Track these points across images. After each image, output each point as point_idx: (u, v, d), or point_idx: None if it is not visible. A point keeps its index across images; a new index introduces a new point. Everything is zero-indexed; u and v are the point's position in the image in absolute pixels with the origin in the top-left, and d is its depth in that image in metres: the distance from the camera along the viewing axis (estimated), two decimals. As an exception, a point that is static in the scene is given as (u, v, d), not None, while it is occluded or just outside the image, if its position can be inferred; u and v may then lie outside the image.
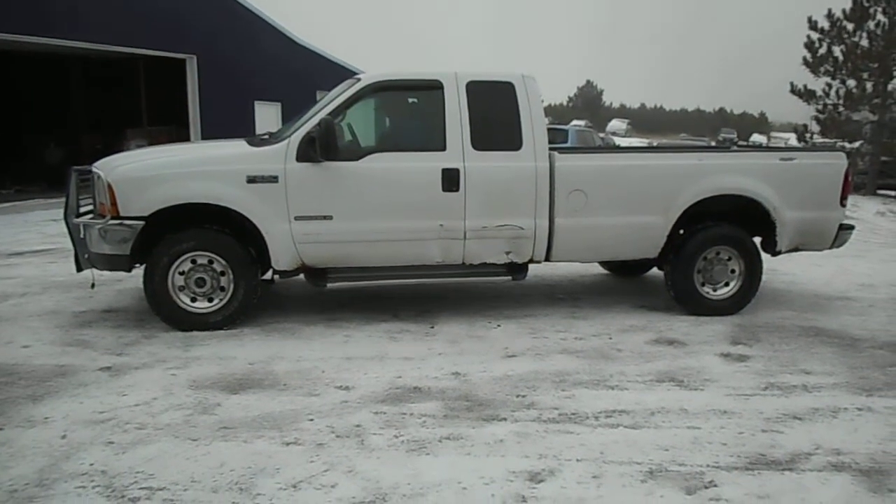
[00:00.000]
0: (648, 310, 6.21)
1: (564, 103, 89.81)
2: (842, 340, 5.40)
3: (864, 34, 19.37)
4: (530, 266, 5.86)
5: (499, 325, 5.65)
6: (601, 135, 27.00)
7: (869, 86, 19.65)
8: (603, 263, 7.68)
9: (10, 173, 15.52)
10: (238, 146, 5.69)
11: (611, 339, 5.35)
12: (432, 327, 5.58)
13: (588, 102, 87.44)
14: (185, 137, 17.45)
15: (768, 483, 3.17)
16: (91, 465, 3.24)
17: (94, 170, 5.41)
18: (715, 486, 3.14)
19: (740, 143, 40.19)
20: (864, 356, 5.03)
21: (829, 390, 4.34)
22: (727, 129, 58.53)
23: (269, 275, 5.70)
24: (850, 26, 19.56)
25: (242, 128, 17.81)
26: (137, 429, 3.64)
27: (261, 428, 3.66)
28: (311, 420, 3.77)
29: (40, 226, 11.23)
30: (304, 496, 3.00)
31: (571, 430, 3.68)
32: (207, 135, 17.27)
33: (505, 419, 3.82)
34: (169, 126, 18.45)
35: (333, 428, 3.67)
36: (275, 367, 4.60)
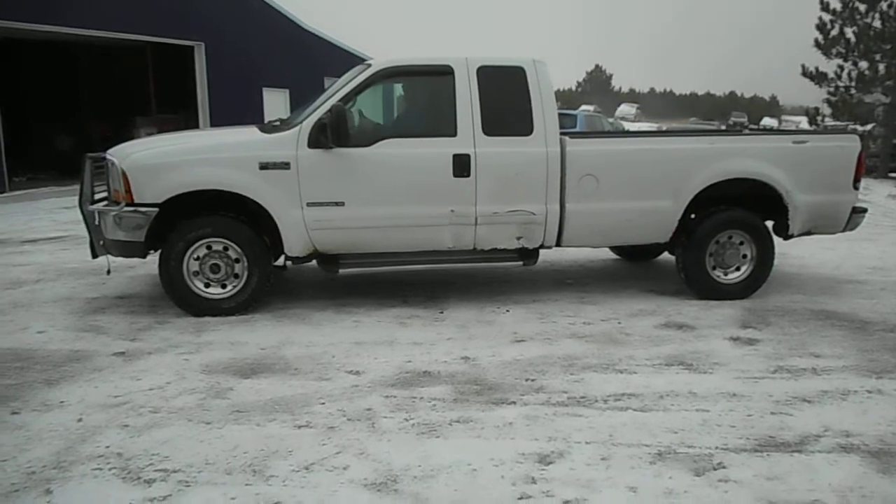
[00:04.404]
0: (657, 294, 6.21)
1: (573, 88, 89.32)
2: (852, 323, 5.38)
3: (877, 15, 19.14)
4: (540, 251, 5.87)
5: (508, 310, 5.67)
6: (610, 119, 26.82)
7: (881, 67, 19.44)
8: (613, 248, 7.66)
9: (21, 161, 15.61)
10: (250, 133, 5.72)
11: (619, 323, 5.36)
12: (441, 312, 5.61)
13: (597, 87, 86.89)
14: (193, 125, 17.50)
15: (777, 465, 3.19)
16: (107, 447, 3.30)
17: (108, 157, 5.46)
18: (724, 467, 3.16)
19: (751, 126, 39.90)
20: (875, 339, 5.03)
21: (839, 373, 4.34)
22: (738, 113, 58.02)
23: (281, 261, 5.74)
24: (862, 7, 19.32)
25: (251, 114, 17.86)
26: (152, 412, 3.69)
27: (273, 411, 3.71)
28: (323, 404, 3.81)
29: (52, 213, 11.32)
30: (316, 478, 3.05)
31: (580, 414, 3.71)
32: (216, 122, 17.31)
33: (514, 402, 3.84)
34: (178, 113, 18.48)
35: (344, 411, 3.71)
36: (286, 352, 4.64)
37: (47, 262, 7.49)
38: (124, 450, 3.28)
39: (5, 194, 13.19)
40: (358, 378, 4.19)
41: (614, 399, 3.91)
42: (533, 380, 4.18)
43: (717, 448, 3.34)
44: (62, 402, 3.82)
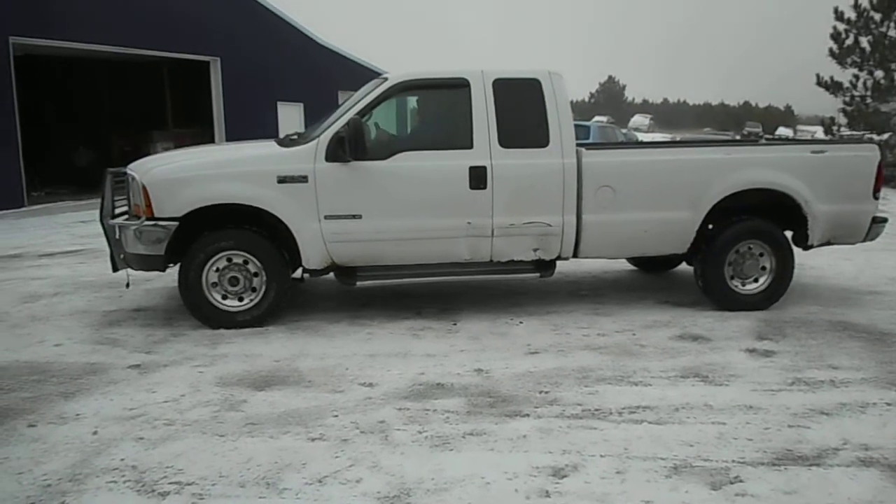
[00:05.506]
0: (672, 305, 6.17)
1: (586, 99, 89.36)
2: (870, 335, 5.32)
3: (892, 24, 19.02)
4: (557, 262, 5.85)
5: (521, 322, 5.65)
6: (624, 130, 26.78)
7: (897, 76, 19.30)
8: (630, 259, 7.63)
9: (39, 175, 15.82)
10: (268, 147, 5.78)
11: (634, 335, 5.32)
12: (455, 324, 5.60)
13: (610, 98, 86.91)
14: (209, 139, 17.67)
15: (795, 478, 3.14)
16: (122, 460, 3.31)
17: (128, 172, 5.53)
18: (741, 481, 3.12)
19: (767, 136, 39.68)
20: (894, 350, 4.96)
21: (857, 385, 4.29)
22: (752, 123, 57.69)
23: (298, 273, 5.77)
24: (877, 16, 19.22)
25: (266, 128, 18.00)
26: (166, 425, 3.71)
27: (286, 424, 3.71)
28: (336, 416, 3.81)
29: (70, 227, 11.42)
30: (329, 491, 3.04)
31: (595, 426, 3.68)
32: (231, 136, 17.48)
33: (528, 415, 3.83)
34: (194, 128, 18.67)
35: (358, 424, 3.71)
36: (299, 365, 4.65)
37: (65, 275, 7.56)
38: (139, 462, 3.29)
39: (24, 208, 13.35)
40: (371, 390, 4.19)
41: (629, 412, 3.87)
42: (547, 392, 4.16)
43: (733, 461, 3.30)
44: (78, 414, 3.85)
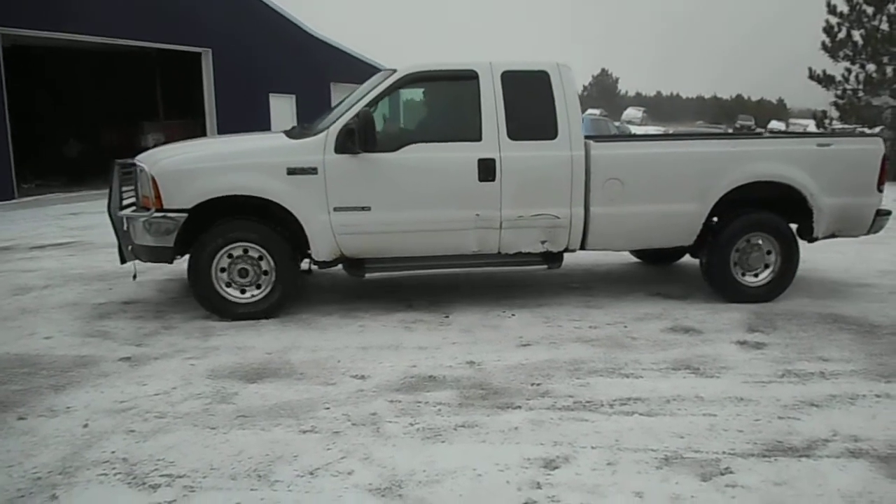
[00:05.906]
0: (663, 298, 6.18)
1: (579, 92, 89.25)
2: (860, 327, 5.35)
3: (885, 18, 19.08)
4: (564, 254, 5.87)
5: (513, 315, 5.66)
6: (616, 123, 26.81)
7: (889, 70, 19.36)
8: (633, 251, 7.63)
9: (30, 167, 15.71)
10: (277, 138, 5.79)
11: (626, 327, 5.34)
12: (447, 317, 5.60)
13: (603, 91, 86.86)
14: (200, 131, 17.58)
15: (785, 470, 3.16)
16: (112, 453, 3.30)
17: (137, 163, 5.52)
18: (731, 472, 3.14)
19: (760, 129, 39.73)
20: (883, 342, 4.99)
21: (847, 377, 4.31)
22: (744, 116, 57.77)
23: (305, 265, 5.77)
24: (869, 10, 19.27)
25: (258, 121, 17.94)
26: (157, 418, 3.70)
27: (278, 416, 3.71)
28: (328, 408, 3.81)
29: (60, 219, 11.34)
30: (321, 483, 3.04)
31: (586, 418, 3.69)
32: (223, 128, 17.40)
33: (519, 407, 3.83)
34: (185, 119, 18.57)
35: (349, 416, 3.71)
36: (291, 357, 4.64)
37: (55, 267, 7.52)
38: (130, 455, 3.28)
39: (14, 200, 13.25)
40: (363, 383, 4.19)
41: (620, 403, 3.89)
42: (538, 384, 4.17)
43: (724, 453, 3.32)
44: (68, 407, 3.83)
